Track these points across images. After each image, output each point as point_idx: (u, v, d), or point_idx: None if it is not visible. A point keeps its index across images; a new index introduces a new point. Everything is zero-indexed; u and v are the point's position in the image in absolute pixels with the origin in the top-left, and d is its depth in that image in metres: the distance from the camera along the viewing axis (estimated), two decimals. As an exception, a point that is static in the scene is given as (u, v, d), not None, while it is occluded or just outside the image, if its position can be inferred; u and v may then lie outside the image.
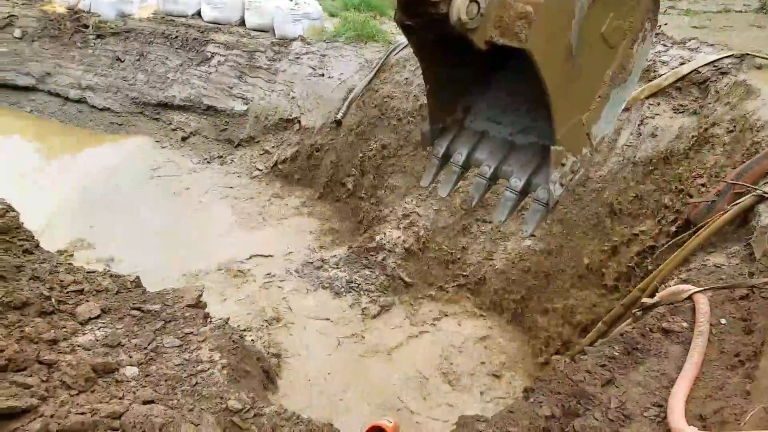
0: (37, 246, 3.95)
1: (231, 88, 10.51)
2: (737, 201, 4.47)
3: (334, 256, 7.25)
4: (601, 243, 6.00)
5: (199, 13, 11.70)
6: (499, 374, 5.71)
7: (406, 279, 6.92)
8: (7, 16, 12.50)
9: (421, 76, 2.53)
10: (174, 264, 7.08)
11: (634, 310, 4.28)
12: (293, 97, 9.71)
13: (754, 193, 4.34)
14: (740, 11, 9.75)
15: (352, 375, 5.52)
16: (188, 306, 3.88)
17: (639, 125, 6.20)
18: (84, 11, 12.48)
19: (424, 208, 7.42)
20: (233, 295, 6.47)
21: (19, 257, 3.66)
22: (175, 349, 3.45)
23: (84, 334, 3.26)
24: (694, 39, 6.96)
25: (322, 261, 7.12)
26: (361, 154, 8.68)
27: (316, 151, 9.18)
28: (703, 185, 5.38)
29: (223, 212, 8.52)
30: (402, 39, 9.09)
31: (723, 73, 6.04)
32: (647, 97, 6.30)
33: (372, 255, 7.09)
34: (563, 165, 2.25)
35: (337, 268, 6.98)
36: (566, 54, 2.05)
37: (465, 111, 2.75)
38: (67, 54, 12.25)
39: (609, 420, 3.13)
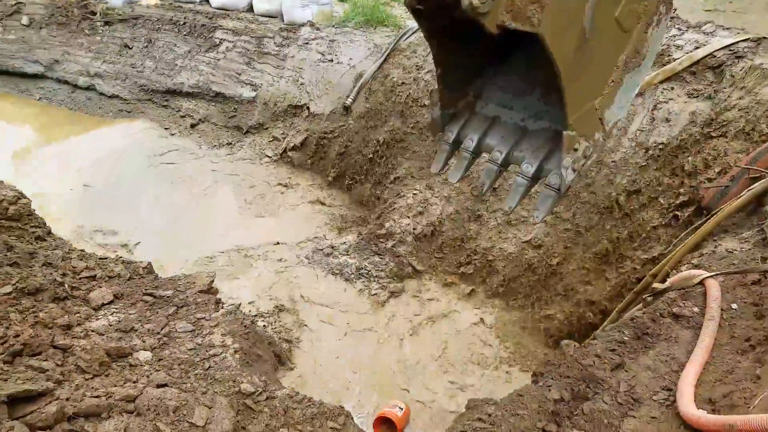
0: (49, 233, 3.98)
1: (239, 74, 10.47)
2: (751, 186, 4.44)
3: (344, 243, 7.25)
4: (613, 229, 5.96)
5: (206, -1, 11.63)
6: (508, 360, 5.72)
7: (417, 266, 6.92)
8: (15, 4, 12.51)
9: (432, 60, 2.50)
10: (183, 250, 7.11)
11: (644, 296, 4.27)
12: (302, 83, 9.65)
13: None
14: None
15: (362, 360, 5.55)
16: (200, 292, 3.91)
17: (652, 110, 6.12)
18: (92, -3, 12.47)
19: (435, 194, 7.38)
20: (243, 281, 6.50)
21: (31, 244, 3.68)
22: (188, 334, 3.47)
23: (97, 320, 3.28)
24: (709, 22, 6.80)
25: (332, 248, 7.13)
26: (370, 141, 8.63)
27: (325, 138, 9.14)
28: (717, 170, 5.33)
29: (232, 199, 8.53)
30: (412, 23, 8.98)
31: (739, 57, 5.92)
32: (661, 82, 6.20)
33: (382, 242, 7.08)
34: (575, 150, 2.22)
35: (347, 254, 6.98)
36: (579, 38, 2.00)
37: (476, 96, 2.71)
38: (75, 41, 12.25)
39: (618, 404, 3.14)
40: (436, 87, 2.56)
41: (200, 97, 10.79)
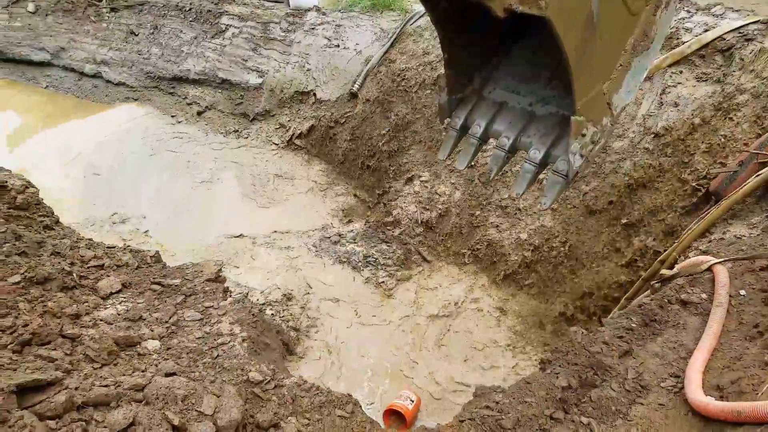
0: (57, 222, 3.99)
1: (246, 60, 10.40)
2: (759, 171, 4.40)
3: (351, 230, 7.24)
4: (622, 216, 5.91)
5: (212, -15, 11.52)
6: (518, 346, 5.70)
7: (424, 253, 6.90)
8: (21, -9, 12.48)
9: (439, 45, 2.46)
10: (190, 239, 7.13)
11: (652, 282, 4.26)
12: (308, 69, 9.57)
13: None
14: None
15: (370, 348, 5.55)
16: (208, 280, 3.90)
17: (661, 94, 6.05)
18: (97, -16, 12.41)
19: (442, 181, 7.33)
20: (251, 269, 6.51)
21: (39, 233, 3.69)
22: (196, 323, 3.47)
23: (106, 309, 3.29)
24: (719, 4, 6.69)
25: (340, 236, 7.12)
26: (377, 127, 8.56)
27: (332, 125, 9.08)
28: (725, 156, 5.27)
29: (239, 187, 8.52)
30: (419, 8, 8.87)
31: (748, 40, 5.84)
32: (670, 66, 6.13)
33: (389, 229, 7.06)
34: (583, 135, 2.19)
35: (355, 242, 6.97)
36: (587, 22, 1.96)
37: (483, 81, 2.69)
38: (81, 28, 12.21)
39: (626, 391, 3.16)
40: (443, 72, 2.54)
41: (207, 84, 10.75)
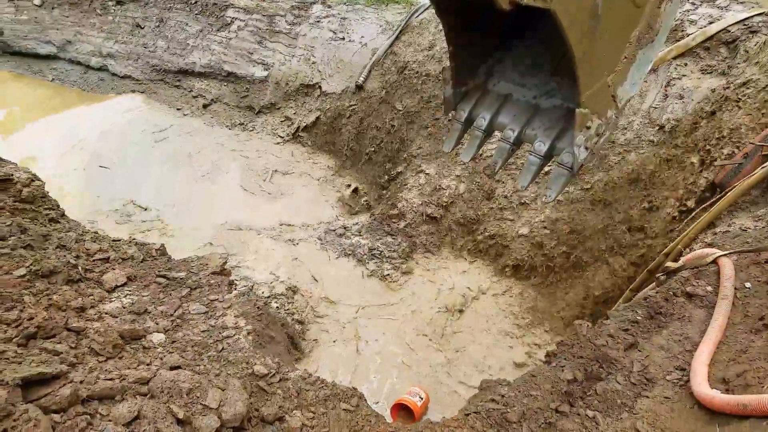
0: (63, 215, 3.99)
1: (251, 53, 10.38)
2: (765, 164, 4.40)
3: (357, 223, 7.23)
4: (628, 209, 5.89)
5: (218, -23, 11.49)
6: (523, 338, 5.68)
7: (429, 246, 6.88)
8: (28, -16, 12.49)
9: (444, 38, 2.47)
10: (195, 231, 7.13)
11: (657, 275, 4.26)
12: (314, 62, 9.55)
13: None
14: None
15: (376, 340, 5.54)
16: (213, 273, 3.90)
17: (666, 87, 6.05)
18: (102, -23, 12.40)
19: (447, 173, 7.30)
20: (256, 262, 6.51)
21: (45, 226, 3.69)
22: (201, 316, 3.47)
23: (111, 302, 3.29)
24: None
25: (345, 228, 7.11)
26: (382, 120, 8.54)
27: (338, 117, 9.06)
28: (730, 148, 5.25)
29: (244, 180, 8.52)
30: (424, 0, 8.82)
31: (753, 32, 5.84)
32: (674, 58, 6.14)
33: (394, 222, 7.05)
34: (588, 128, 2.20)
35: (360, 235, 6.96)
36: (591, 14, 1.96)
37: (488, 74, 2.70)
38: (87, 21, 12.22)
39: (631, 384, 3.16)
40: (448, 65, 2.55)
41: (212, 77, 10.75)
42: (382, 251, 6.66)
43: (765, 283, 3.50)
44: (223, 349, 3.23)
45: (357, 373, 5.15)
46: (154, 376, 2.71)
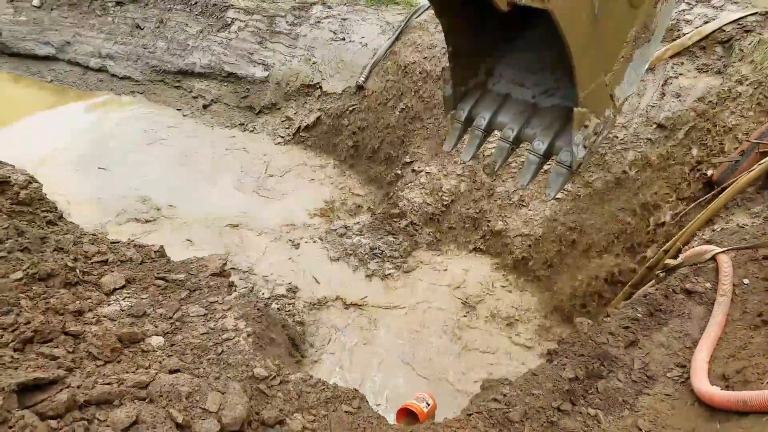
0: (61, 217, 3.97)
1: (251, 54, 10.37)
2: (761, 161, 4.44)
3: (358, 223, 7.21)
4: (626, 204, 5.94)
5: (218, -23, 11.48)
6: (525, 335, 5.66)
7: (430, 244, 6.86)
8: (27, -15, 12.48)
9: (444, 38, 2.49)
10: (192, 232, 7.10)
11: (657, 272, 4.31)
12: (314, 62, 9.54)
13: None
14: None
15: (379, 341, 5.52)
16: (212, 275, 3.88)
17: (663, 85, 6.12)
18: (102, -22, 12.39)
19: (448, 172, 7.30)
20: (257, 263, 6.48)
21: (42, 228, 3.67)
22: (200, 318, 3.45)
23: (109, 305, 3.27)
24: None
25: (346, 228, 7.09)
26: (383, 119, 8.54)
27: (339, 117, 9.06)
28: (727, 145, 5.31)
29: (245, 180, 8.50)
30: (423, 1, 8.83)
31: (747, 31, 5.94)
32: (671, 57, 6.22)
33: (395, 221, 7.03)
34: (586, 127, 2.22)
35: (361, 235, 6.94)
36: (589, 14, 1.99)
37: (488, 73, 2.73)
38: (86, 22, 12.21)
39: (632, 381, 3.18)
40: (448, 65, 2.58)
41: (212, 78, 10.74)
42: (383, 251, 6.63)
43: (763, 279, 3.53)
44: (222, 351, 3.21)
45: (359, 374, 5.13)
46: (153, 380, 2.69)
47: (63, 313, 2.91)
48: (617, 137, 6.16)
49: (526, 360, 5.37)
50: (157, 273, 3.77)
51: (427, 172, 7.49)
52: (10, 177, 3.75)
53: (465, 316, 5.88)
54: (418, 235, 6.93)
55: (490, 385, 4.78)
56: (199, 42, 11.02)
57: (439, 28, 2.50)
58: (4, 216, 3.50)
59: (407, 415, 4.60)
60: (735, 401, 2.54)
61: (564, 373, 3.35)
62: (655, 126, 5.98)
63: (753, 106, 5.38)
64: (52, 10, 12.42)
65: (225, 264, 4.04)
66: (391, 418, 4.51)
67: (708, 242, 4.17)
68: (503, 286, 6.33)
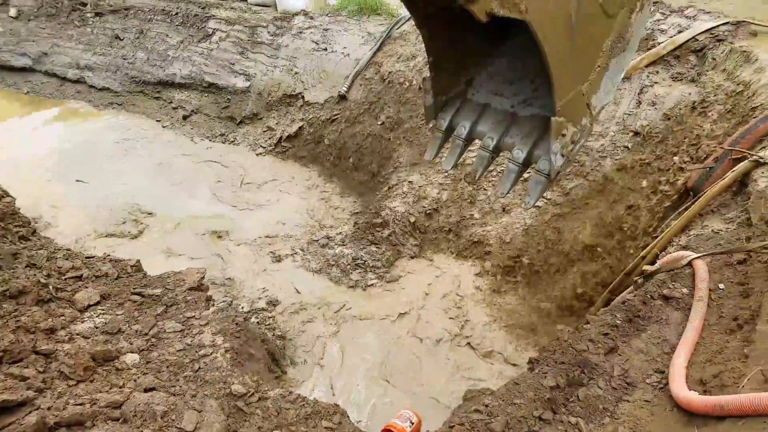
0: (34, 232, 3.89)
1: (233, 64, 10.33)
2: (734, 167, 4.50)
3: (340, 233, 7.17)
4: (605, 211, 6.01)
5: (200, -12, 11.45)
6: (510, 343, 5.65)
7: (413, 253, 6.86)
8: (3, -5, 12.33)
9: (424, 49, 2.53)
10: (172, 242, 7.02)
11: (635, 278, 4.34)
12: (296, 73, 9.54)
13: (750, 159, 4.38)
14: None
15: (362, 353, 5.47)
16: (190, 289, 3.82)
17: (639, 94, 6.24)
18: (81, -11, 12.27)
19: (430, 181, 7.32)
20: (237, 275, 6.41)
21: (15, 244, 3.59)
22: (177, 334, 3.39)
23: (83, 322, 3.20)
24: (691, 6, 6.98)
25: (328, 238, 7.04)
26: (366, 129, 8.56)
27: (321, 127, 9.05)
28: (701, 152, 5.39)
29: (225, 191, 8.42)
30: (405, 12, 8.87)
31: (719, 41, 6.12)
32: (646, 66, 6.35)
33: (378, 231, 7.01)
34: (564, 136, 2.26)
35: (343, 245, 6.90)
36: (566, 24, 2.04)
37: (468, 83, 2.77)
38: (64, 33, 12.09)
39: (612, 388, 3.17)
40: (429, 75, 2.62)
41: (193, 88, 10.67)
42: (366, 261, 6.60)
43: (738, 284, 3.59)
44: (199, 368, 3.15)
45: (340, 388, 5.07)
46: (127, 399, 2.64)
47: (34, 332, 2.84)
48: (595, 145, 6.23)
49: (511, 368, 5.36)
50: (133, 288, 3.70)
51: (410, 181, 7.50)
52: (-20, 192, 3.68)
53: (450, 324, 5.86)
54: (400, 244, 6.92)
55: (473, 396, 4.77)
56: (179, 52, 10.95)
57: (420, 38, 2.54)
58: (-25, 232, 3.43)
59: None
60: (712, 406, 2.55)
61: (545, 381, 3.34)
62: (631, 134, 6.09)
63: (725, 113, 5.49)
64: (29, 20, 12.27)
65: (203, 277, 3.98)
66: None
67: (684, 248, 4.23)
68: (488, 294, 6.33)
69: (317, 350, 5.42)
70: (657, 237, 4.86)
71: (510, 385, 3.49)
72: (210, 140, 9.88)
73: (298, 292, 6.17)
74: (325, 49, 9.42)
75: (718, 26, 6.21)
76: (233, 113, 10.11)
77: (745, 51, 5.73)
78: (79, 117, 10.80)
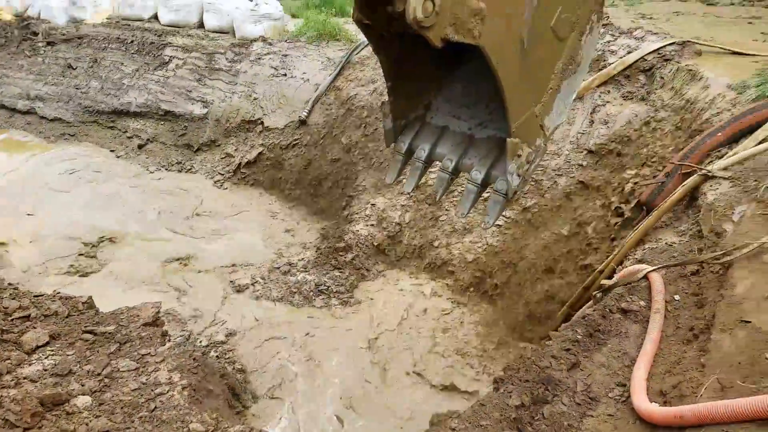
0: (-22, 272, 3.71)
1: (190, 91, 10.23)
2: (685, 181, 4.63)
3: (302, 259, 7.07)
4: (564, 227, 6.15)
5: (155, 17, 11.35)
6: (477, 363, 5.64)
7: (378, 275, 6.83)
8: (-51, 26, 11.95)
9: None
10: (129, 274, 6.81)
11: (594, 292, 4.40)
12: (255, 98, 9.51)
13: (699, 173, 4.51)
14: (682, 0, 10.16)
15: (326, 383, 5.36)
16: (145, 325, 3.69)
17: (591, 113, 6.44)
18: (33, 18, 12.02)
19: (392, 204, 7.34)
20: (195, 307, 6.22)
21: (-44, 285, 3.42)
22: (131, 373, 3.27)
23: (30, 365, 3.05)
24: (639, 28, 7.29)
25: (290, 265, 6.93)
26: (327, 153, 8.57)
27: (282, 152, 9.02)
28: (653, 167, 5.58)
29: (182, 219, 8.23)
30: (364, 38, 8.98)
31: (667, 60, 6.35)
32: (598, 86, 6.56)
33: (341, 255, 6.96)
34: (519, 156, 2.32)
35: (306, 271, 6.80)
36: (519, 48, 2.10)
37: (426, 107, 2.82)
38: (14, 63, 11.79)
39: (576, 404, 3.17)
40: (387, 99, 2.65)
41: (149, 117, 10.49)
42: (329, 286, 6.52)
43: (692, 294, 3.67)
44: (155, 408, 3.03)
45: (304, 419, 4.94)
46: (77, 445, 2.51)
47: (-25, 379, 2.69)
48: (551, 164, 6.37)
49: (479, 387, 5.34)
50: (85, 326, 3.56)
51: (372, 204, 7.51)
52: None
53: (416, 346, 5.83)
54: (364, 268, 6.88)
55: (439, 420, 4.73)
56: (135, 81, 10.78)
57: (378, 63, 2.60)
58: None
59: None
60: (672, 417, 2.59)
61: (510, 401, 3.33)
62: (585, 152, 6.27)
63: (674, 129, 5.69)
64: (-25, 52, 11.93)
65: (158, 312, 3.86)
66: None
67: (640, 261, 4.32)
68: (453, 313, 6.33)
69: (280, 381, 5.26)
70: (613, 251, 4.97)
71: (476, 406, 3.48)
72: (166, 169, 9.71)
73: (259, 322, 6.01)
74: (285, 75, 9.43)
75: (665, 46, 6.46)
76: (190, 141, 9.98)
77: (691, 69, 5.95)
78: (26, 149, 10.48)
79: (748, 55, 6.27)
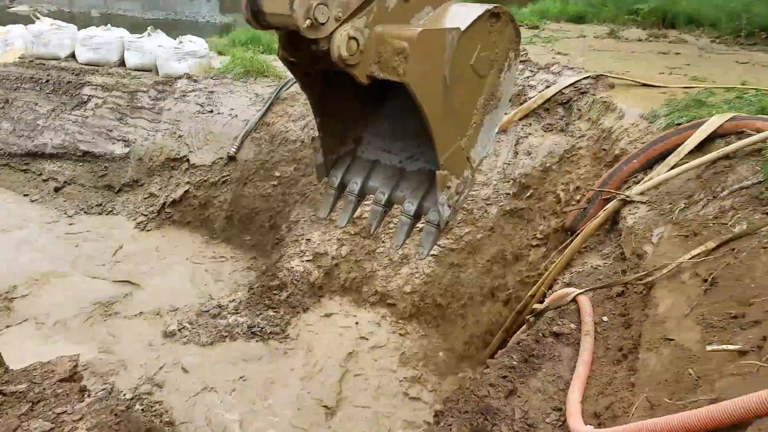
0: None
1: (111, 131, 9.83)
2: (605, 206, 4.89)
3: (233, 300, 6.75)
4: (497, 254, 6.30)
5: (73, 55, 10.95)
6: (418, 395, 5.57)
7: (314, 312, 6.67)
8: None
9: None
10: (45, 327, 6.33)
11: (527, 317, 4.51)
12: (180, 136, 9.25)
13: (618, 198, 4.75)
14: (595, 37, 10.93)
15: (264, 426, 5.11)
16: (60, 381, 3.40)
17: (515, 145, 6.71)
18: (-63, 59, 11.26)
19: (327, 238, 7.26)
20: (118, 357, 5.82)
21: None
22: (45, 435, 2.98)
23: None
24: (556, 63, 7.73)
25: (220, 307, 6.59)
26: (258, 189, 8.43)
27: (209, 189, 8.78)
28: (575, 194, 5.85)
29: (101, 264, 7.80)
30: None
31: (582, 93, 6.76)
32: (520, 119, 6.87)
33: (276, 293, 6.76)
34: (449, 188, 2.41)
35: (237, 313, 6.48)
36: (442, 85, 2.20)
37: (356, 141, 2.90)
38: None
39: None
40: (318, 134, 2.72)
41: (66, 158, 9.97)
42: (263, 327, 6.25)
43: (619, 315, 3.80)
44: (71, 472, 2.77)
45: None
46: None
47: None
48: (481, 194, 6.55)
49: (425, 418, 5.26)
50: (-9, 387, 3.23)
51: (307, 239, 7.39)
52: None
53: (355, 381, 5.71)
54: (300, 305, 6.70)
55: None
56: (50, 121, 10.26)
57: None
58: None
59: None
60: (607, 438, 2.61)
61: (451, 434, 3.30)
62: (511, 182, 6.51)
63: (593, 157, 6.00)
64: None
65: (76, 365, 3.56)
66: None
67: (568, 285, 4.47)
68: (394, 345, 6.27)
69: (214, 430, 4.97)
70: (543, 276, 5.12)
71: (418, 443, 3.42)
72: (85, 212, 9.21)
73: (187, 371, 5.66)
74: (211, 111, 9.25)
75: (580, 80, 6.86)
76: (111, 181, 9.54)
77: (605, 101, 6.34)
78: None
79: (657, 86, 6.76)
